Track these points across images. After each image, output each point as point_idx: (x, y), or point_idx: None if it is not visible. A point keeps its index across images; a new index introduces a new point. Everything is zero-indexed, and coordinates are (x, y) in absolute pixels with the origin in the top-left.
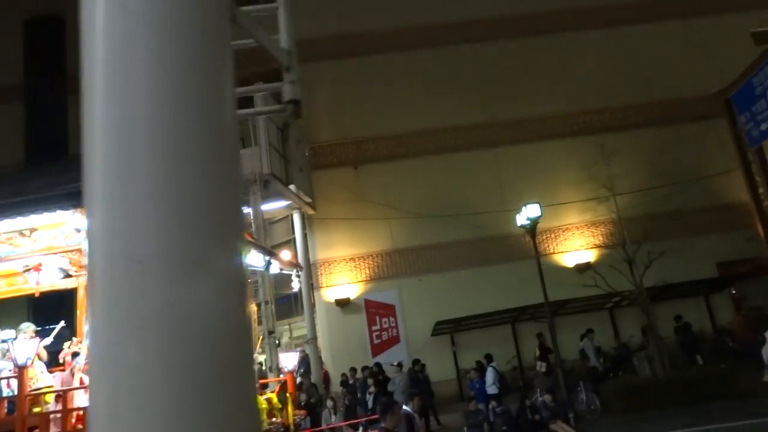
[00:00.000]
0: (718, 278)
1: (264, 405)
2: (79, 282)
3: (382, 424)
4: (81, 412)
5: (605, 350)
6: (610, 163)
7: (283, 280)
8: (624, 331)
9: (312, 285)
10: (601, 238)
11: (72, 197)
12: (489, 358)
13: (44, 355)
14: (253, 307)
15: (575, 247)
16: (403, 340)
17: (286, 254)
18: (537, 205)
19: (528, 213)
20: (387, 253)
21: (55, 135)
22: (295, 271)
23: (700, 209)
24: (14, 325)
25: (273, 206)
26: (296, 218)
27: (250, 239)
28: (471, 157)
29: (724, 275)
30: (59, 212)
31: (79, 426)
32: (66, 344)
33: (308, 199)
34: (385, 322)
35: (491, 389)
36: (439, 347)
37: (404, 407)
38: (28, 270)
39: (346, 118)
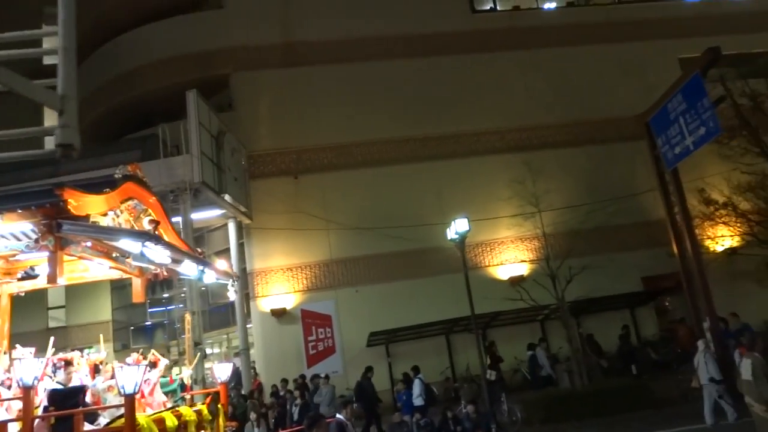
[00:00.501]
0: (643, 292)
1: (192, 417)
2: (2, 290)
3: None
4: None
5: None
6: (537, 179)
7: (221, 289)
8: (554, 342)
9: (247, 295)
10: (532, 253)
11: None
12: (416, 369)
13: None
14: (187, 317)
15: (509, 260)
16: (339, 351)
17: (222, 263)
18: (465, 220)
19: (456, 227)
20: (324, 264)
21: None
22: (231, 280)
23: (626, 225)
24: None
25: (206, 215)
26: (231, 227)
27: (184, 248)
28: (409, 169)
29: (649, 289)
30: None
31: None
32: None
33: (243, 209)
34: (321, 333)
35: (417, 401)
36: (375, 358)
37: (337, 415)
38: None
39: (287, 127)
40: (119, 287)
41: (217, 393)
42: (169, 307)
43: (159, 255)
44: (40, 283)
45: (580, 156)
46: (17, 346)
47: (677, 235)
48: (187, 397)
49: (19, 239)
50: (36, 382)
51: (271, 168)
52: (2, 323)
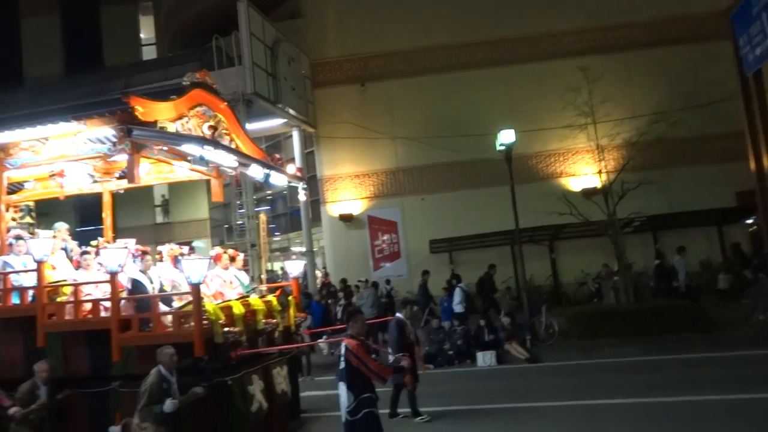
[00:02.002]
0: (733, 208)
1: (261, 306)
2: (104, 187)
3: (348, 331)
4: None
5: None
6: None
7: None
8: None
9: (317, 200)
10: (609, 164)
11: (78, 110)
12: (457, 278)
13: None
14: (261, 217)
15: (582, 172)
16: (404, 256)
17: (291, 167)
18: (511, 131)
19: (502, 138)
20: (391, 172)
21: (90, 46)
22: (301, 183)
23: (715, 135)
24: (68, 222)
25: (266, 125)
26: (295, 136)
27: (255, 152)
28: (477, 75)
29: (745, 205)
30: (62, 124)
31: (89, 315)
32: (93, 243)
33: (302, 117)
34: (387, 238)
35: (457, 308)
36: (438, 264)
37: (398, 314)
38: (53, 175)
39: (354, 34)
40: (249, 187)
41: (288, 287)
42: (257, 209)
43: (221, 158)
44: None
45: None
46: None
47: (756, 148)
48: (263, 289)
49: (103, 143)
50: (120, 268)
51: (338, 75)
52: (106, 216)
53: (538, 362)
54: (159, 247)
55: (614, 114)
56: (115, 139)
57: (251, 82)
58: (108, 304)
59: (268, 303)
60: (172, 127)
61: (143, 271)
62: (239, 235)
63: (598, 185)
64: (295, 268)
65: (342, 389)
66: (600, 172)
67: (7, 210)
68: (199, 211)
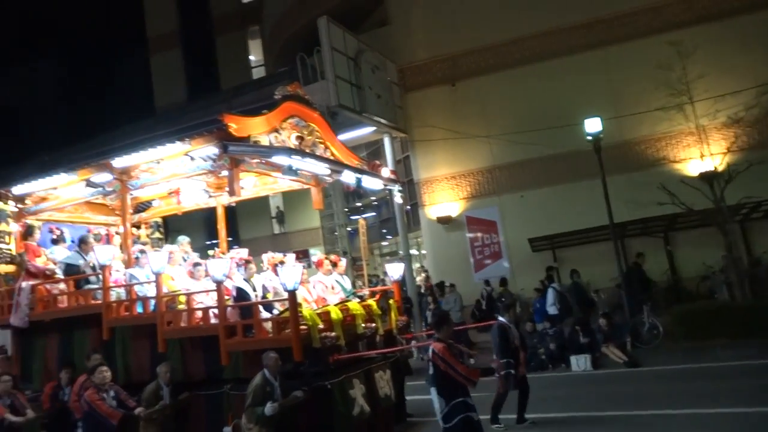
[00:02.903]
0: None
1: (360, 311)
2: (217, 200)
3: (436, 335)
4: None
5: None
6: None
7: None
8: (757, 246)
9: (415, 204)
10: (729, 142)
11: (181, 132)
12: (550, 278)
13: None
14: (361, 221)
15: (695, 155)
16: (505, 256)
17: (386, 171)
18: (597, 119)
19: (587, 127)
20: (487, 170)
21: (208, 73)
22: (396, 186)
23: None
24: (194, 237)
25: (355, 134)
26: (386, 142)
27: (351, 159)
28: (574, 62)
29: None
30: (169, 146)
31: (200, 322)
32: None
33: (390, 124)
34: (487, 238)
35: (551, 309)
36: (541, 263)
37: (499, 318)
38: (171, 193)
39: (442, 34)
40: (337, 196)
41: (389, 290)
42: (365, 215)
43: (310, 166)
44: (230, 197)
45: None
46: (235, 247)
47: None
48: (365, 293)
49: (206, 160)
50: (224, 277)
51: (428, 78)
52: (220, 229)
53: (638, 366)
54: (263, 255)
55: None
56: (215, 156)
57: (335, 95)
58: (216, 311)
59: (367, 307)
60: (265, 140)
61: (247, 280)
62: (348, 242)
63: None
64: (395, 271)
65: (433, 395)
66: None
67: (138, 227)
68: (312, 220)
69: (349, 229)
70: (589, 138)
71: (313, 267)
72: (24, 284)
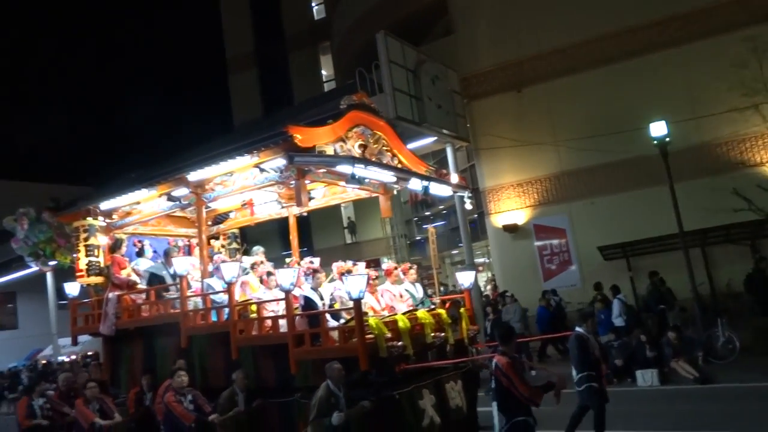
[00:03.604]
0: None
1: (429, 320)
2: (289, 211)
3: (501, 348)
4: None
5: None
6: None
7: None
8: None
9: (482, 213)
10: None
11: (249, 145)
12: (616, 289)
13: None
14: (431, 229)
15: None
16: (576, 265)
17: (454, 177)
18: (663, 123)
19: (654, 132)
20: (555, 177)
21: (283, 90)
22: (466, 193)
23: None
24: (270, 247)
25: (416, 145)
26: (448, 152)
27: (419, 166)
28: (644, 62)
29: None
30: (239, 159)
31: (270, 331)
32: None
33: (451, 133)
34: (556, 247)
35: (617, 321)
36: (614, 272)
37: (577, 328)
38: (244, 204)
39: (506, 41)
40: (396, 206)
41: (460, 299)
42: (435, 224)
43: (374, 174)
44: (298, 207)
45: None
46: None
47: None
48: (435, 302)
49: (274, 172)
50: (292, 286)
51: (493, 85)
52: (292, 239)
53: (709, 383)
54: (333, 265)
55: None
56: (283, 167)
57: (393, 107)
58: (283, 321)
59: (437, 316)
60: (331, 150)
61: (314, 288)
62: (418, 251)
63: None
64: (466, 279)
65: (494, 410)
66: None
67: (216, 238)
68: (383, 229)
69: (418, 237)
70: (655, 142)
71: (382, 276)
72: (111, 295)
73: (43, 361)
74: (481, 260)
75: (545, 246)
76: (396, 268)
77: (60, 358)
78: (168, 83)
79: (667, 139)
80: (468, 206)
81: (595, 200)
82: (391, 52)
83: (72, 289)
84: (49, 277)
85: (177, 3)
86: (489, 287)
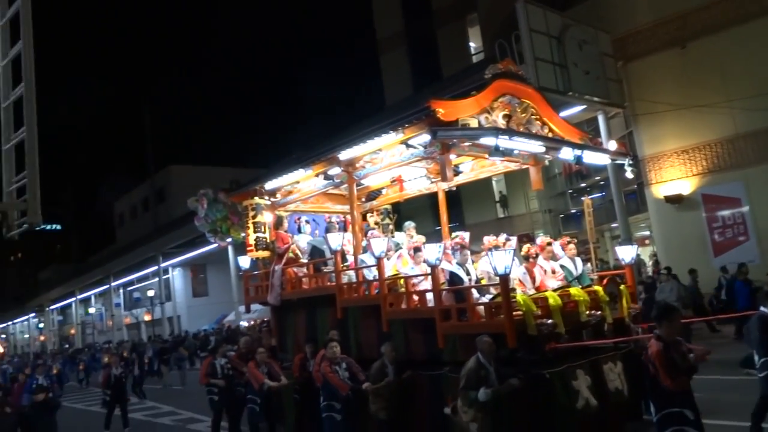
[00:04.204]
0: None
1: (583, 297)
2: (437, 186)
3: (656, 331)
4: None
5: None
6: None
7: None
8: None
9: (641, 184)
10: None
11: (395, 123)
12: None
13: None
14: (587, 201)
15: None
16: (753, 238)
17: (613, 144)
18: None
19: None
20: (728, 140)
21: (431, 66)
22: (627, 159)
23: None
24: (422, 222)
25: (565, 114)
26: (600, 120)
27: (572, 134)
28: None
29: None
30: (384, 136)
31: (418, 305)
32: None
33: (602, 100)
34: (729, 218)
35: None
36: None
37: (762, 308)
38: (394, 181)
39: None
40: (548, 178)
41: (618, 275)
42: (592, 196)
43: (521, 145)
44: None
45: None
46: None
47: None
48: (594, 277)
49: (420, 147)
50: (438, 261)
51: (653, 43)
52: (442, 214)
53: None
54: (485, 239)
55: None
56: (427, 143)
57: (535, 78)
58: (431, 295)
59: (592, 293)
60: (475, 123)
61: (461, 264)
62: (575, 225)
63: None
64: (627, 253)
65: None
66: None
67: (370, 214)
68: (536, 202)
69: (573, 210)
70: None
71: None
72: (276, 267)
73: (228, 326)
74: (646, 233)
75: (716, 218)
76: (550, 244)
77: (242, 323)
78: (329, 68)
79: None
80: (629, 175)
81: None
82: (533, 20)
83: (244, 262)
84: (230, 251)
85: None
86: (650, 263)
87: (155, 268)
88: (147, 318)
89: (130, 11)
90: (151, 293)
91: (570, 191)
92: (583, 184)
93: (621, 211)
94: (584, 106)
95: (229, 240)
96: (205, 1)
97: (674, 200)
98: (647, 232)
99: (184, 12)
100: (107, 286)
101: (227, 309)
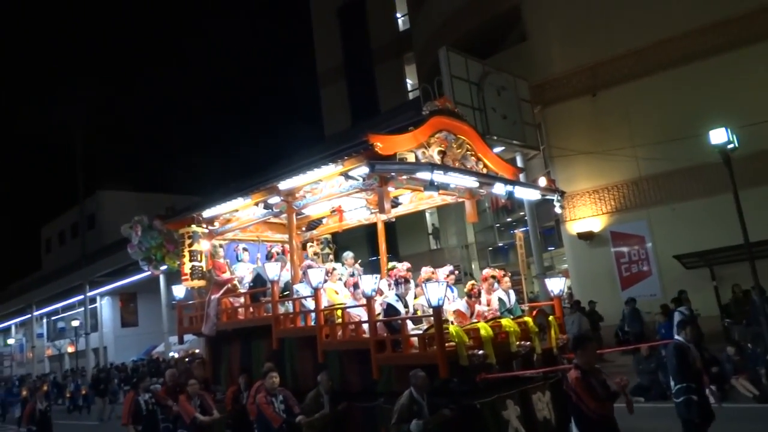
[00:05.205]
0: None
1: (513, 328)
2: (377, 217)
3: (574, 361)
4: (354, 325)
5: None
6: None
7: (545, 213)
8: None
9: (557, 221)
10: None
11: (334, 155)
12: (678, 301)
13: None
14: (518, 234)
15: None
16: (655, 273)
17: (542, 180)
18: (722, 130)
19: (714, 139)
20: (633, 182)
21: (369, 101)
22: (556, 195)
23: None
24: (359, 252)
25: None
26: (518, 160)
27: (506, 170)
28: (727, 61)
29: None
30: (324, 168)
31: (353, 334)
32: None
33: (517, 142)
34: (634, 254)
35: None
36: (698, 281)
37: (676, 336)
38: (333, 211)
39: (580, 45)
40: (478, 213)
41: (547, 307)
42: (517, 230)
43: (455, 180)
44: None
45: None
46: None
47: None
48: (525, 309)
49: (358, 179)
50: (374, 293)
51: (567, 90)
52: (380, 244)
53: None
54: (423, 269)
55: None
56: (366, 175)
57: None
58: (366, 326)
59: (522, 324)
60: (412, 157)
61: (399, 296)
62: (502, 257)
63: None
64: (555, 285)
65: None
66: None
67: (310, 244)
68: (467, 235)
69: (501, 244)
70: (724, 148)
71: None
72: (212, 297)
73: (156, 357)
74: (565, 267)
75: (623, 253)
76: (494, 277)
77: (171, 354)
78: (269, 98)
79: (730, 145)
80: (558, 210)
81: (675, 206)
82: (454, 67)
83: (178, 291)
84: (162, 280)
85: (272, 23)
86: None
87: (82, 296)
88: (71, 349)
89: (61, 28)
90: (76, 323)
91: (497, 225)
92: (509, 219)
93: (537, 246)
94: (503, 148)
95: (164, 268)
96: (143, 25)
97: (586, 237)
98: (565, 266)
99: (121, 33)
100: (29, 316)
101: (157, 340)
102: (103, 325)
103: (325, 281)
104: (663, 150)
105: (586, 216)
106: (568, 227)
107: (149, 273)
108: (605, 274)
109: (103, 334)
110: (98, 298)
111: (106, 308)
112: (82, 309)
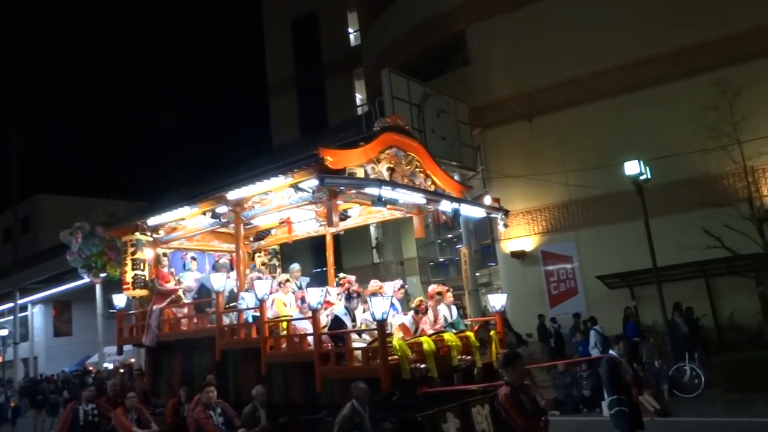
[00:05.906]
0: None
1: (455, 342)
2: (326, 229)
3: (505, 378)
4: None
5: None
6: None
7: (483, 232)
8: None
9: (493, 239)
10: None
11: (284, 167)
12: (593, 320)
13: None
14: (463, 250)
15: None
16: (581, 292)
17: (488, 199)
18: (635, 162)
19: (628, 170)
20: (563, 205)
21: (319, 113)
22: (500, 214)
23: None
24: (305, 264)
25: None
26: (456, 178)
27: (452, 187)
28: (654, 94)
29: None
30: (273, 179)
31: (297, 346)
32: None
33: (454, 163)
34: (563, 274)
35: (593, 352)
36: (619, 300)
37: (610, 351)
38: (282, 222)
39: (519, 72)
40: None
41: (489, 322)
42: (456, 246)
43: (403, 196)
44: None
45: None
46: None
47: None
48: (466, 323)
49: (307, 192)
50: (320, 306)
51: (506, 114)
52: (329, 256)
53: (668, 416)
54: (372, 283)
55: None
56: (315, 188)
57: None
58: (311, 338)
59: (464, 338)
60: (361, 172)
61: (348, 309)
62: (442, 273)
63: None
64: (497, 301)
65: None
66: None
67: (258, 254)
68: (409, 250)
69: (441, 259)
70: (639, 178)
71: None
72: (154, 307)
73: (91, 368)
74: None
75: (552, 272)
76: (440, 293)
77: (105, 365)
78: (217, 106)
79: (643, 176)
80: (501, 228)
81: (601, 229)
82: (396, 88)
83: (119, 300)
84: (98, 289)
85: (223, 32)
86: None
87: (12, 304)
88: None
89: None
90: (4, 332)
91: (439, 241)
92: (449, 235)
93: (471, 263)
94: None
95: (104, 276)
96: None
97: (519, 255)
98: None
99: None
100: None
101: (91, 350)
102: (35, 334)
103: (277, 291)
104: (591, 176)
105: (519, 236)
106: (503, 246)
107: (87, 281)
108: (536, 292)
109: (35, 343)
110: (29, 305)
111: (38, 317)
112: (12, 317)
